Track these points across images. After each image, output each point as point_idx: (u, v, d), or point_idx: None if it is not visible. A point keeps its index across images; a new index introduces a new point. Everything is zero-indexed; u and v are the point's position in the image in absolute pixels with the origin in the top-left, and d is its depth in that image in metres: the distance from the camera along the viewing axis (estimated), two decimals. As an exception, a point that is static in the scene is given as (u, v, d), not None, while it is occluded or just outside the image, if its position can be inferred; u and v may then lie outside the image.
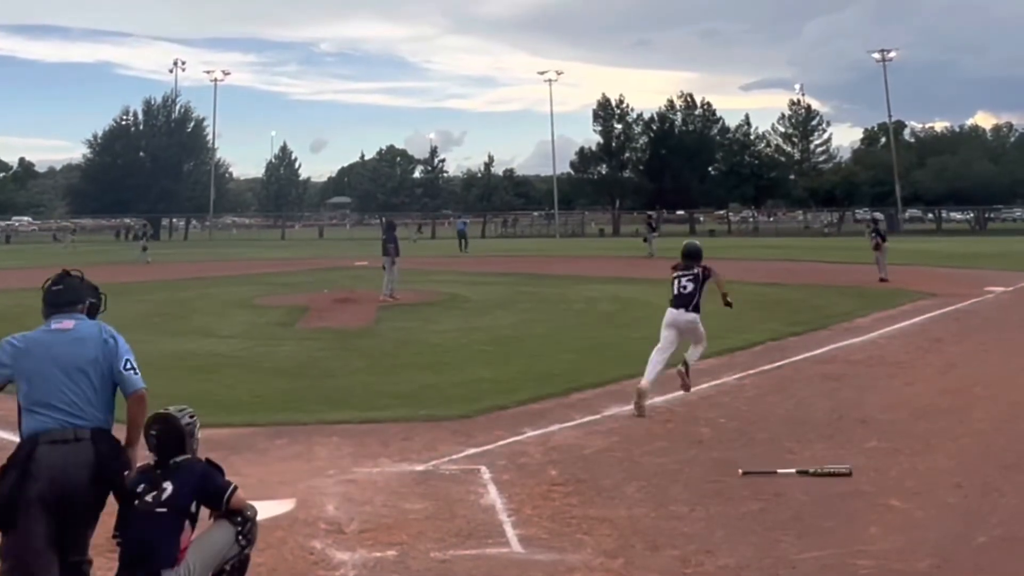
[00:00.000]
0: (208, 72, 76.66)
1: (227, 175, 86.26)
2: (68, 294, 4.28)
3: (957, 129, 78.00)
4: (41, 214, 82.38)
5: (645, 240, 36.80)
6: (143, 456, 4.22)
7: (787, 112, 79.27)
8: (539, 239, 64.16)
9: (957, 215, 68.72)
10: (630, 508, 5.80)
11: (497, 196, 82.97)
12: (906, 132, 78.86)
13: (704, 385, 9.49)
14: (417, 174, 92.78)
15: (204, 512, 4.20)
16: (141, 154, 73.77)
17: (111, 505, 4.10)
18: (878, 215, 26.93)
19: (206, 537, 4.14)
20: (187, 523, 4.03)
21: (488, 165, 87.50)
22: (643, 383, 8.49)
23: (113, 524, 4.09)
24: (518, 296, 20.04)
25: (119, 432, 4.16)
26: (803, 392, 9.41)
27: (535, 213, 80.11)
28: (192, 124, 76.74)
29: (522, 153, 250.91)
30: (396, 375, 10.53)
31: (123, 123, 75.42)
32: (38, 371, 4.00)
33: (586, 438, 7.60)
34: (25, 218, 79.38)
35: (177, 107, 76.21)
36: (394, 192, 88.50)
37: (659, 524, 5.51)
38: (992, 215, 66.03)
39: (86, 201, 73.79)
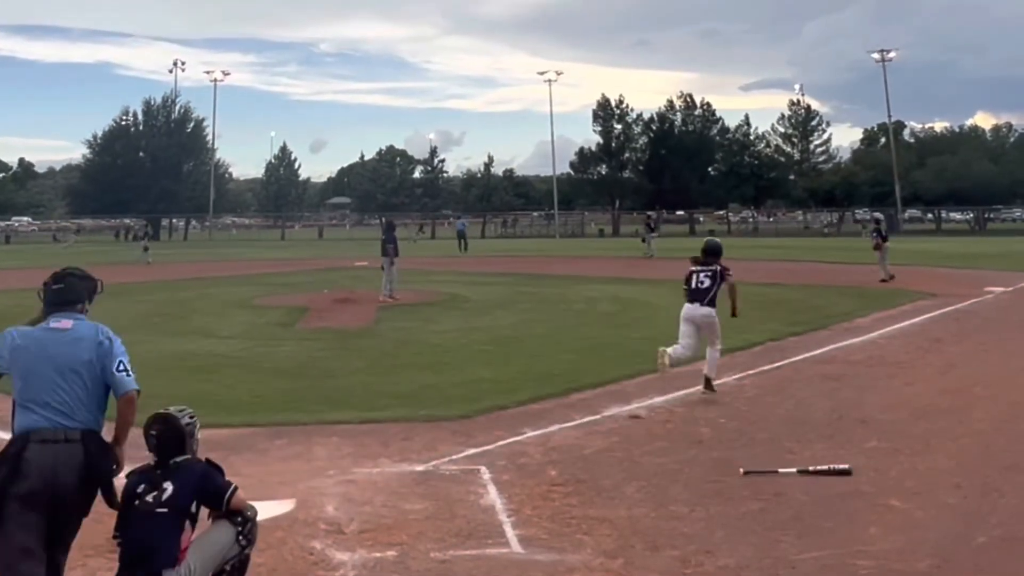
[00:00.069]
0: (208, 72, 76.83)
1: (227, 175, 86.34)
2: (68, 293, 4.28)
3: (957, 129, 78.20)
4: (41, 214, 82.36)
5: (643, 240, 36.84)
6: (141, 457, 4.22)
7: (787, 112, 79.53)
8: (539, 239, 64.17)
9: (957, 215, 68.73)
10: (630, 508, 5.80)
11: (497, 196, 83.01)
12: (906, 132, 78.97)
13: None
14: (417, 174, 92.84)
15: (204, 512, 4.21)
16: (141, 154, 73.76)
17: (107, 505, 4.10)
18: (878, 215, 26.89)
19: (207, 537, 4.14)
20: (187, 523, 4.03)
21: (488, 165, 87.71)
22: (669, 349, 9.02)
23: (114, 524, 4.09)
24: (518, 296, 20.04)
25: (109, 431, 4.17)
26: (803, 392, 9.41)
27: (535, 213, 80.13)
28: (192, 124, 76.77)
29: (522, 153, 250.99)
30: (396, 375, 10.53)
31: (123, 123, 75.45)
32: (33, 369, 4.01)
33: (586, 438, 7.60)
34: (25, 218, 79.35)
35: (177, 107, 76.32)
36: (394, 192, 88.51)
37: (659, 524, 5.51)
38: (992, 215, 66.05)
39: (86, 201, 73.78)
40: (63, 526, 3.95)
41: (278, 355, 12.21)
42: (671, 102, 78.64)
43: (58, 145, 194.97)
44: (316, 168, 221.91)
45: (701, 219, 73.76)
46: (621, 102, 78.13)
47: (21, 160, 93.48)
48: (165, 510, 3.96)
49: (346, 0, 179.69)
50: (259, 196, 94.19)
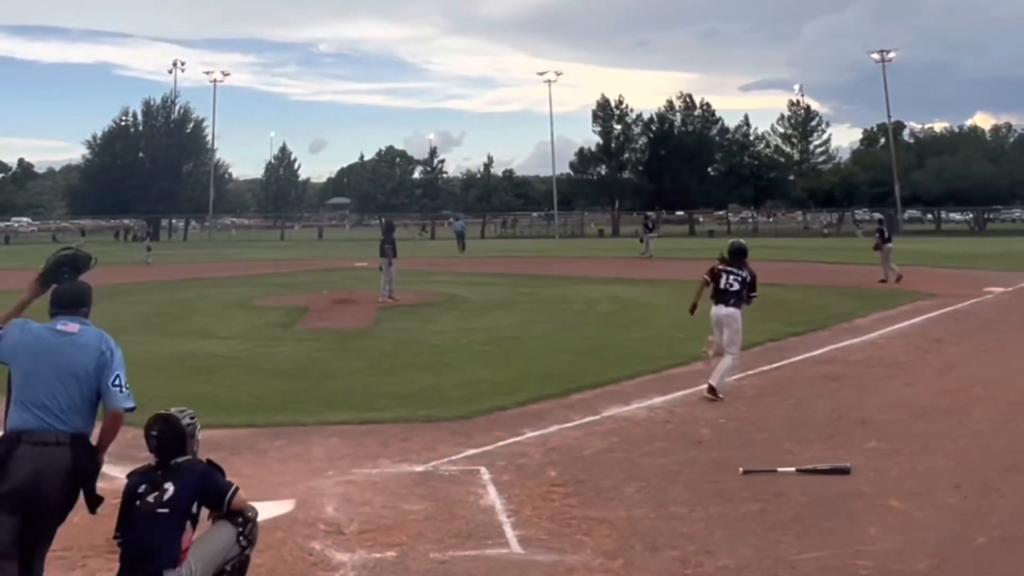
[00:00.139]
0: (207, 73, 76.67)
1: (226, 176, 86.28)
2: (73, 296, 4.31)
3: (956, 130, 78.12)
4: (40, 215, 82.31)
5: (641, 240, 36.86)
6: (141, 457, 4.22)
7: (786, 113, 79.43)
8: (538, 240, 64.18)
9: (956, 216, 68.71)
10: (629, 509, 5.81)
11: (496, 197, 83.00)
12: (905, 133, 78.93)
13: (703, 386, 9.48)
14: (416, 175, 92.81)
15: (204, 513, 4.21)
16: (140, 155, 73.75)
17: (112, 506, 4.10)
18: (877, 215, 26.89)
19: (207, 538, 4.15)
20: (188, 524, 4.03)
21: (487, 166, 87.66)
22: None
23: (114, 525, 4.09)
24: (517, 297, 20.04)
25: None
26: (802, 393, 9.41)
27: (534, 214, 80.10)
28: (191, 125, 76.72)
29: (521, 154, 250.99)
30: (395, 376, 10.53)
31: (122, 124, 75.40)
32: (33, 368, 4.03)
33: (585, 439, 7.60)
34: (24, 219, 79.28)
35: (176, 108, 76.28)
36: (393, 193, 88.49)
37: (659, 525, 5.51)
38: (991, 216, 66.05)
39: (85, 202, 73.75)
40: (39, 529, 3.96)
41: (277, 356, 12.21)
42: (671, 102, 78.72)
43: (58, 146, 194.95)
44: (316, 168, 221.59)
45: (701, 219, 73.72)
46: (621, 102, 78.20)
47: (21, 160, 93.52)
48: (166, 510, 3.96)
49: (346, 0, 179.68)
50: (259, 196, 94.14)
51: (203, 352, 12.51)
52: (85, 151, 75.51)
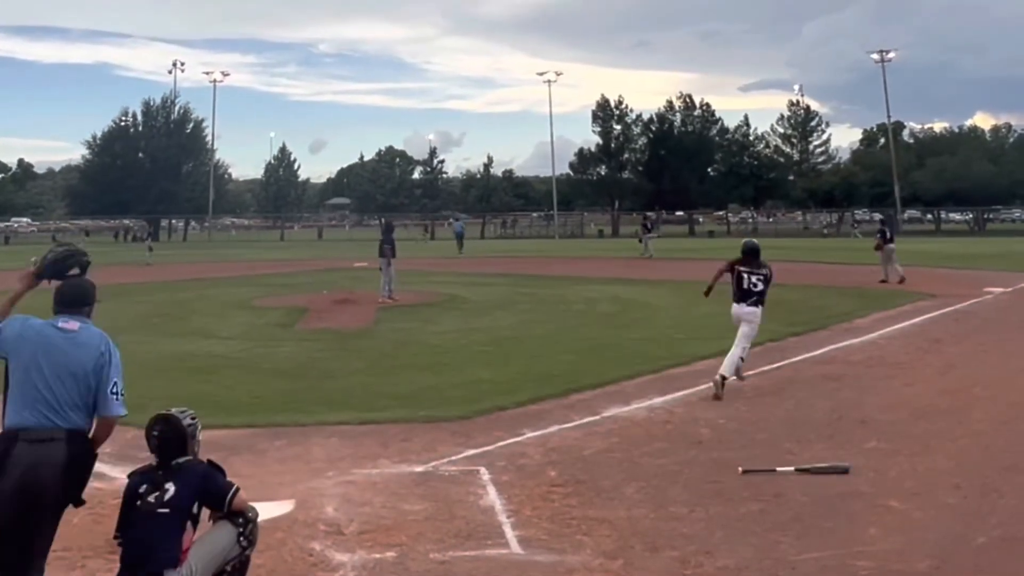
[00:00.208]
0: (207, 73, 76.77)
1: (226, 176, 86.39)
2: (76, 294, 4.32)
3: (956, 130, 78.22)
4: (40, 215, 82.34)
5: (640, 241, 36.88)
6: (142, 458, 4.22)
7: (786, 113, 79.61)
8: (538, 240, 64.22)
9: (956, 216, 68.76)
10: (629, 509, 5.81)
11: (496, 197, 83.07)
12: (905, 133, 79.01)
13: (704, 386, 9.49)
14: (416, 175, 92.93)
15: (205, 513, 4.21)
16: (140, 155, 73.77)
17: (112, 507, 4.10)
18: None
19: (208, 538, 4.15)
20: (189, 524, 4.03)
21: (487, 166, 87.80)
22: (724, 368, 9.24)
23: (115, 525, 4.09)
24: (517, 297, 20.05)
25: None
26: (802, 393, 9.41)
27: (534, 214, 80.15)
28: (191, 125, 76.75)
29: (521, 154, 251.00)
30: (395, 376, 10.53)
31: (122, 124, 75.43)
32: (33, 364, 4.04)
33: (585, 439, 7.60)
34: (24, 219, 79.28)
35: (176, 108, 76.32)
36: (393, 193, 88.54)
37: (658, 525, 5.51)
38: (991, 216, 66.08)
39: (85, 202, 73.77)
40: (39, 521, 3.95)
41: (277, 356, 12.21)
42: (670, 103, 78.87)
43: (57, 146, 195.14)
44: (315, 169, 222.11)
45: (700, 220, 73.79)
46: (620, 103, 78.34)
47: (20, 161, 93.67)
48: (167, 511, 3.96)
49: (346, 0, 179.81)
50: (258, 197, 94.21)
51: (203, 352, 12.50)
52: (85, 151, 75.73)
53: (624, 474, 6.56)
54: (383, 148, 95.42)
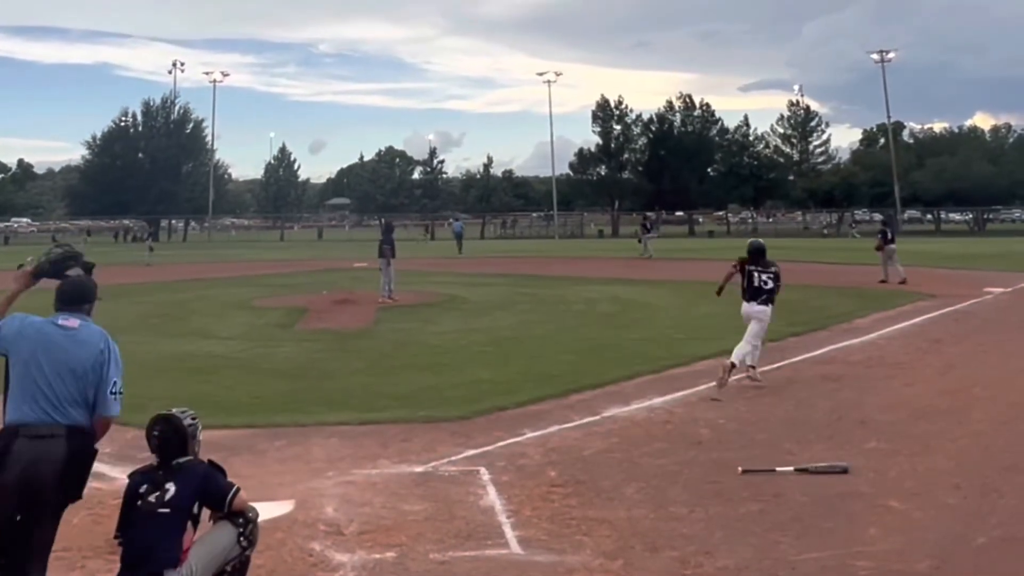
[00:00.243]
0: (207, 73, 76.73)
1: (226, 176, 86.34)
2: (76, 292, 4.34)
3: (956, 130, 78.18)
4: (40, 215, 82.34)
5: (640, 241, 36.88)
6: (142, 458, 4.22)
7: (786, 113, 79.55)
8: (538, 240, 64.21)
9: (956, 216, 68.76)
10: (629, 509, 5.81)
11: (496, 197, 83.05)
12: (905, 133, 78.98)
13: (703, 386, 9.50)
14: (416, 175, 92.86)
15: (205, 513, 4.21)
16: (140, 155, 73.74)
17: (112, 507, 4.10)
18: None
19: (208, 538, 4.15)
20: (189, 524, 4.04)
21: (487, 166, 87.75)
22: (733, 357, 9.38)
23: (115, 525, 4.10)
24: (517, 297, 20.04)
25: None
26: (802, 393, 9.41)
27: (534, 214, 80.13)
28: (191, 125, 76.72)
29: (521, 154, 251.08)
30: (395, 376, 10.53)
31: (122, 124, 75.39)
32: (33, 361, 4.06)
33: (585, 439, 7.60)
34: (24, 220, 79.27)
35: (176, 108, 76.28)
36: (393, 193, 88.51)
37: (658, 525, 5.51)
38: (991, 216, 66.09)
39: (85, 203, 73.74)
40: (40, 516, 3.95)
41: (277, 356, 12.21)
42: (670, 103, 78.83)
43: (57, 146, 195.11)
44: (315, 169, 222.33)
45: (700, 220, 73.79)
46: (620, 103, 78.32)
47: (20, 161, 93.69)
48: (167, 511, 3.97)
49: (346, 1, 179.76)
50: (258, 197, 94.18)
51: (203, 353, 12.50)
52: (85, 152, 75.67)
53: (624, 474, 6.56)
54: (383, 148, 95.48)
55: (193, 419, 4.30)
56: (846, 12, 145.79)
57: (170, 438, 4.16)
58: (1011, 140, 77.34)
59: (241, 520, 4.22)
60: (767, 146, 78.91)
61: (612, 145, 77.16)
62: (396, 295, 19.06)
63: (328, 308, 18.05)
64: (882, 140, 73.73)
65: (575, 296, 19.87)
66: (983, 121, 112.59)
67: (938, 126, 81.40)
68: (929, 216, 70.30)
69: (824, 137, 79.24)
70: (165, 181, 70.65)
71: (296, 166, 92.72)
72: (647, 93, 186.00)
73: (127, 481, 4.19)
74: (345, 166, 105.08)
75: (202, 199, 73.41)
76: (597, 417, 8.34)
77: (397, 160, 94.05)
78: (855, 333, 13.56)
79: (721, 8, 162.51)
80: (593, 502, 5.96)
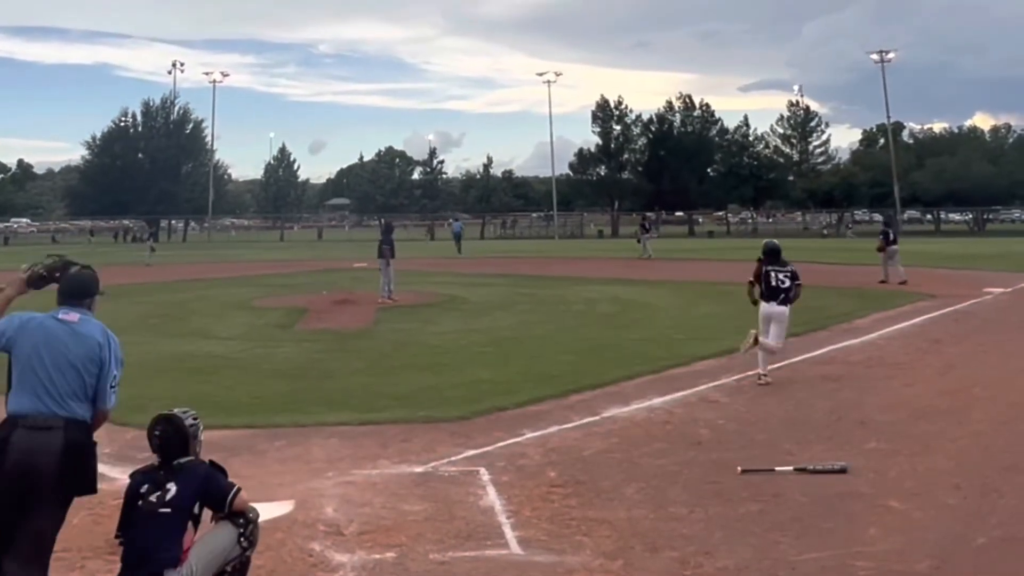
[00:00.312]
0: (207, 73, 76.53)
1: (226, 176, 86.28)
2: (77, 286, 4.35)
3: (956, 130, 78.18)
4: (40, 216, 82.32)
5: (639, 241, 36.88)
6: (144, 458, 4.22)
7: (786, 113, 79.49)
8: (538, 240, 64.17)
9: (956, 216, 68.76)
10: (629, 509, 5.81)
11: (496, 197, 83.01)
12: (905, 133, 78.98)
13: (703, 387, 9.51)
14: (416, 175, 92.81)
15: (206, 513, 4.21)
16: (140, 156, 73.68)
17: (112, 507, 4.10)
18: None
19: (209, 538, 4.15)
20: (190, 524, 4.04)
21: (487, 166, 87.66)
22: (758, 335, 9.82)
23: (116, 525, 4.10)
24: (517, 297, 20.05)
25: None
26: (802, 393, 9.42)
27: (534, 214, 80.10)
28: (191, 125, 76.64)
29: (521, 154, 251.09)
30: (395, 376, 10.53)
31: (122, 125, 75.31)
32: (33, 354, 4.08)
33: (585, 439, 7.60)
34: (24, 220, 79.25)
35: (176, 108, 76.17)
36: (393, 193, 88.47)
37: (658, 525, 5.51)
38: (991, 216, 66.10)
39: (85, 203, 73.70)
40: (38, 510, 3.95)
41: (277, 356, 12.21)
42: (670, 103, 78.80)
43: (57, 146, 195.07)
44: (315, 169, 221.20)
45: (700, 220, 73.78)
46: (620, 103, 78.27)
47: (20, 161, 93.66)
48: (168, 511, 3.97)
49: (345, 1, 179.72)
50: (258, 197, 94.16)
51: (203, 353, 12.51)
52: (84, 152, 75.54)
53: (624, 474, 6.57)
54: (383, 148, 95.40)
55: (195, 419, 4.31)
56: (846, 12, 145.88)
57: (171, 438, 4.17)
58: (1011, 140, 77.34)
59: (242, 520, 4.23)
60: (767, 146, 78.92)
61: (612, 145, 77.14)
62: (396, 295, 19.06)
63: (328, 308, 18.05)
64: (882, 140, 73.72)
65: (575, 296, 19.87)
66: (983, 121, 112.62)
67: (938, 126, 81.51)
68: (929, 216, 70.31)
69: (824, 137, 79.32)
70: (165, 181, 70.60)
71: (296, 166, 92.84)
72: (647, 93, 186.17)
73: (128, 481, 4.19)
74: (345, 166, 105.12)
75: (202, 199, 73.36)
76: (597, 417, 8.34)
77: (397, 160, 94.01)
78: (855, 333, 13.57)
79: (721, 8, 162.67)
80: (593, 502, 5.96)
